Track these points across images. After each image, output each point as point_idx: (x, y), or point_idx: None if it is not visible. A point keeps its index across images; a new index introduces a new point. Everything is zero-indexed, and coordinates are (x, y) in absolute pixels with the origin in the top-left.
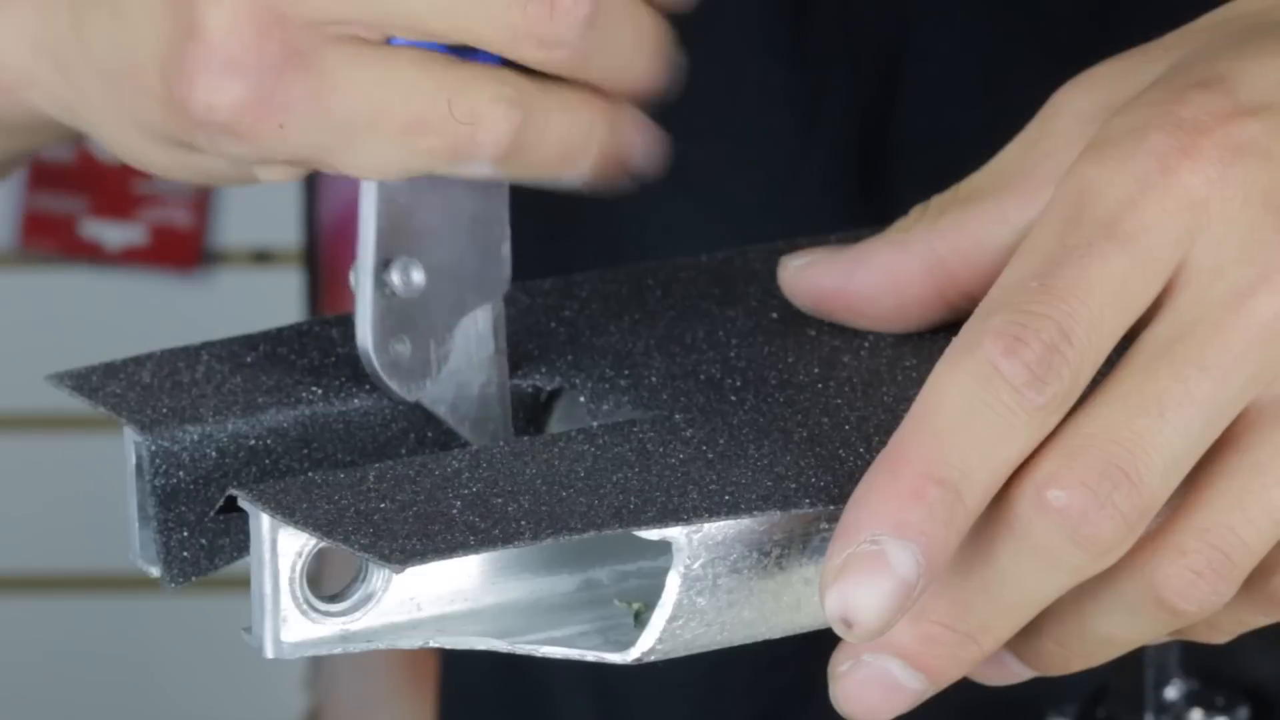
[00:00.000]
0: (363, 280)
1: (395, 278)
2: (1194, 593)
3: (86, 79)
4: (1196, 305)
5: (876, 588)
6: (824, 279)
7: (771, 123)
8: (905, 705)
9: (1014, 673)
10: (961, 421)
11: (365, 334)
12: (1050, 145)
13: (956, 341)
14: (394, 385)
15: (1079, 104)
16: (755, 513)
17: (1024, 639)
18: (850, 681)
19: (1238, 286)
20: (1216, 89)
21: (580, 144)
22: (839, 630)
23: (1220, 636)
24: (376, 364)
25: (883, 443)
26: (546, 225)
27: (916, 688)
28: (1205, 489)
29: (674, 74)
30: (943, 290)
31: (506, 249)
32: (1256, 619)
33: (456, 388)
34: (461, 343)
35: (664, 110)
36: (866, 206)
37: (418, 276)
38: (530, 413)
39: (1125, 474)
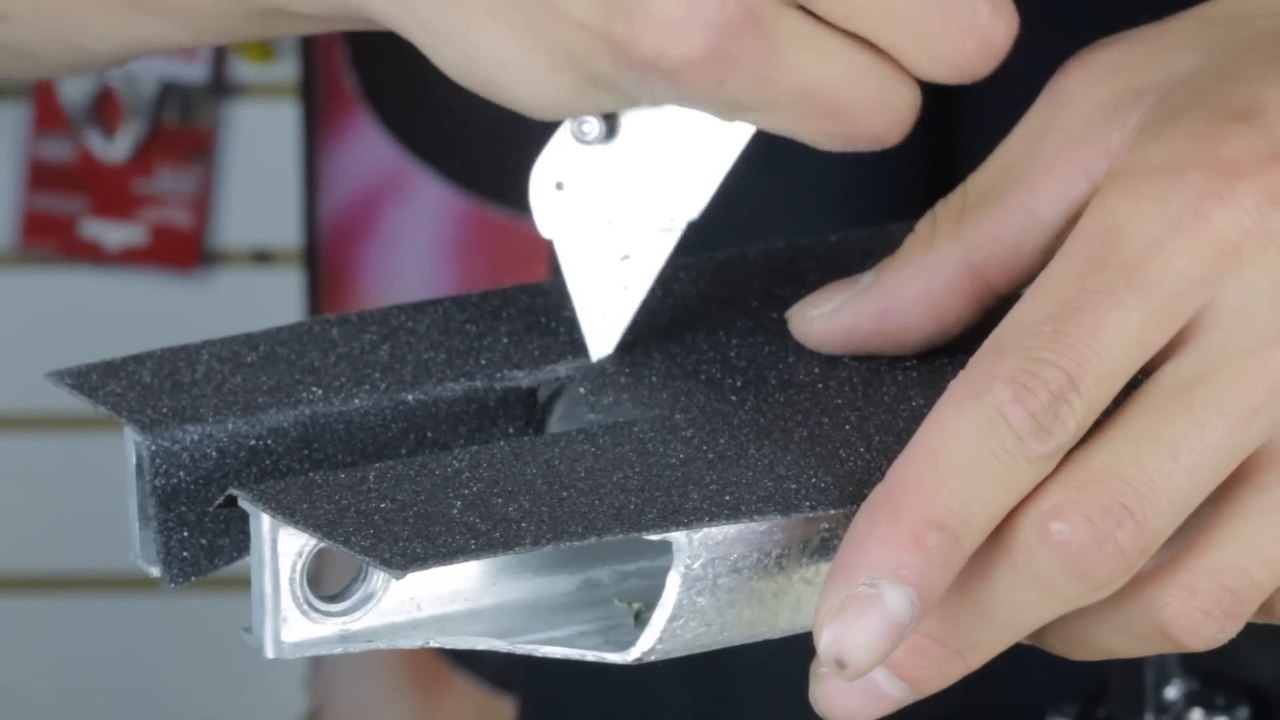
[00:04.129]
0: None
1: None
2: (1202, 632)
3: None
4: (1220, 348)
5: (871, 631)
6: (860, 322)
7: None
8: (884, 711)
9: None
10: (965, 467)
11: None
12: (1069, 136)
13: (965, 380)
14: None
15: (1096, 93)
16: (756, 516)
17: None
18: (831, 685)
19: (1264, 335)
20: (1255, 123)
21: None
22: (831, 669)
23: None
24: None
25: (883, 442)
26: None
27: (897, 695)
28: (1219, 528)
29: None
30: (979, 297)
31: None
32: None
33: None
34: None
35: None
36: (937, 182)
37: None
38: (530, 413)
39: (1130, 513)
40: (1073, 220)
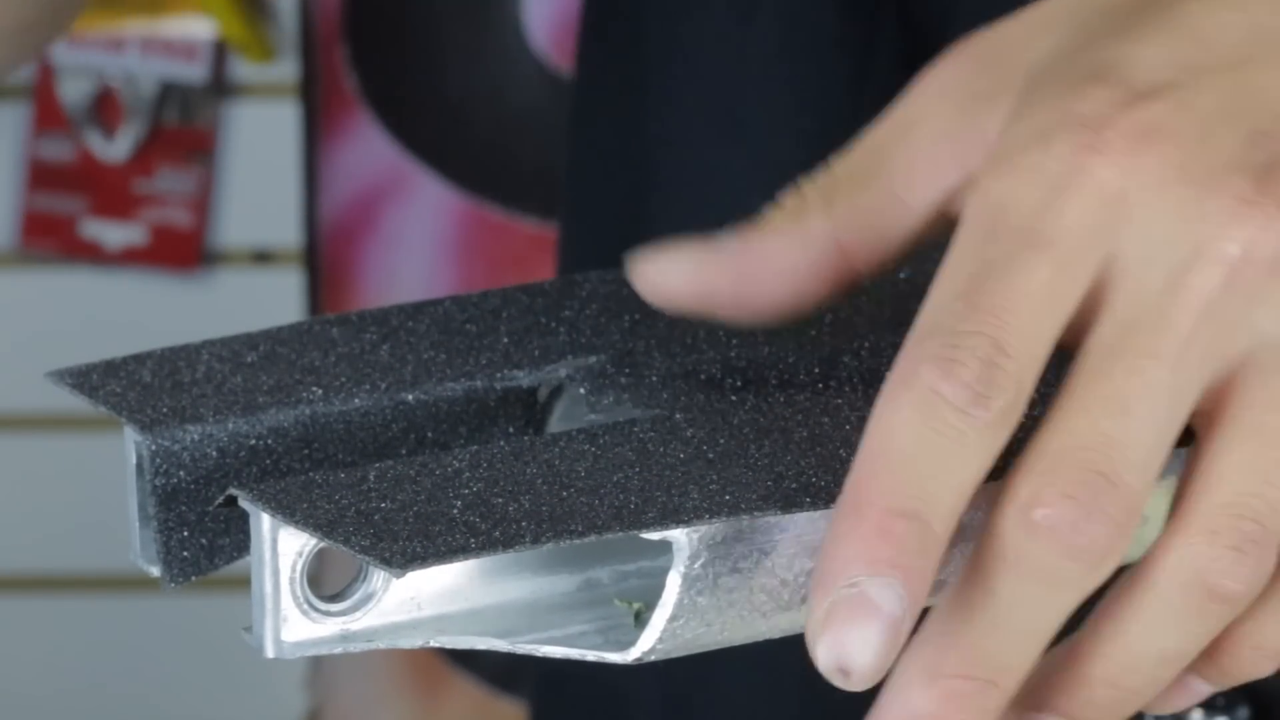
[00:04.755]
0: None
1: None
2: (1240, 570)
3: None
4: (1135, 297)
5: (866, 630)
6: (717, 284)
7: (825, 75)
8: None
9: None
10: (914, 452)
11: None
12: (945, 126)
13: (893, 375)
14: None
15: (970, 85)
16: (756, 513)
17: (1071, 692)
18: None
19: (1172, 269)
20: (1109, 79)
21: None
22: (836, 680)
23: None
24: None
25: None
26: (615, 172)
27: None
28: (1214, 467)
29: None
30: (841, 278)
31: None
32: None
33: None
34: None
35: (721, 61)
36: None
37: None
38: (530, 413)
39: (1105, 477)
40: (943, 209)
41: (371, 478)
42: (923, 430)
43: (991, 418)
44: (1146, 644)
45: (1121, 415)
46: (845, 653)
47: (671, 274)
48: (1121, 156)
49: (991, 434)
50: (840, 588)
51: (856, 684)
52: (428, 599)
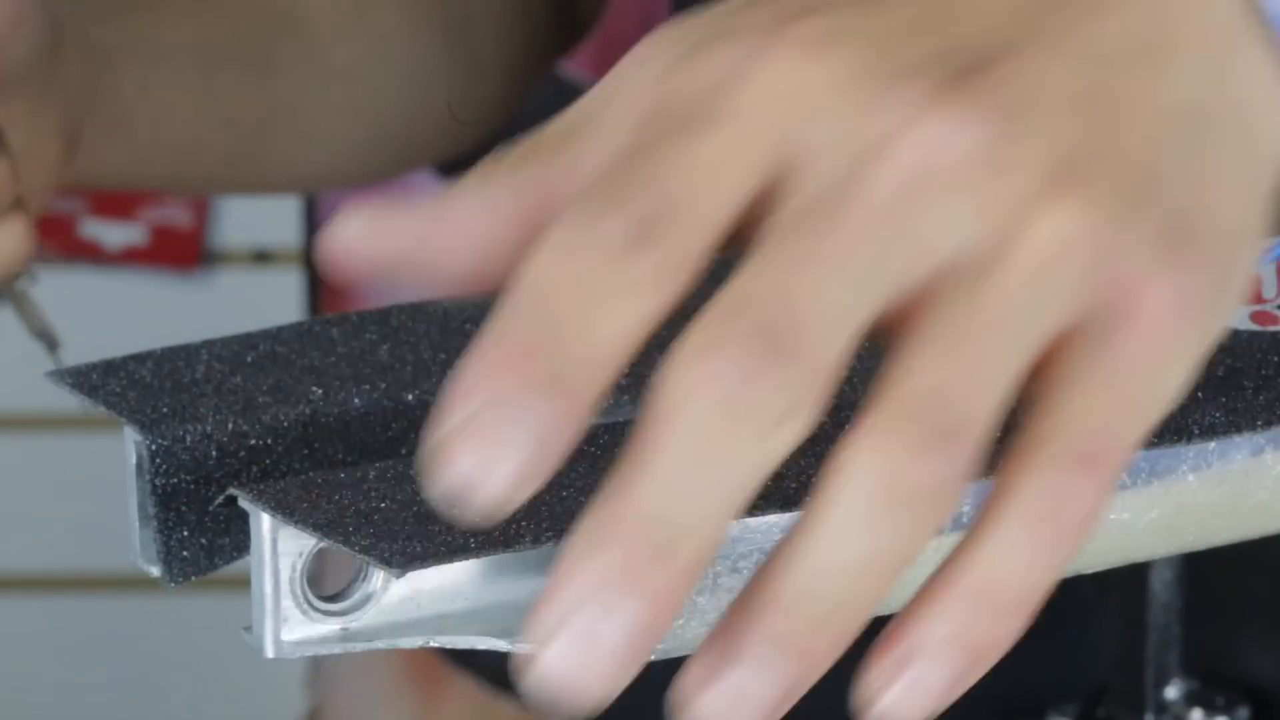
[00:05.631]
0: None
1: None
2: (935, 461)
3: None
4: (813, 185)
5: (505, 448)
6: (401, 240)
7: None
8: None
9: None
10: (561, 289)
11: None
12: (642, 89)
13: (548, 231)
14: None
15: (678, 46)
16: (756, 513)
17: (767, 615)
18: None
19: (850, 165)
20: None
21: None
22: (451, 513)
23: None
24: None
25: None
26: None
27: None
28: (906, 363)
29: None
30: (527, 245)
31: None
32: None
33: None
34: None
35: None
36: None
37: None
38: None
39: (786, 331)
40: None
41: (371, 477)
42: (568, 270)
43: (650, 269)
44: (844, 548)
45: (808, 272)
46: (477, 470)
47: (354, 236)
48: (799, 52)
49: (651, 290)
50: (468, 411)
51: (482, 509)
52: (428, 599)
